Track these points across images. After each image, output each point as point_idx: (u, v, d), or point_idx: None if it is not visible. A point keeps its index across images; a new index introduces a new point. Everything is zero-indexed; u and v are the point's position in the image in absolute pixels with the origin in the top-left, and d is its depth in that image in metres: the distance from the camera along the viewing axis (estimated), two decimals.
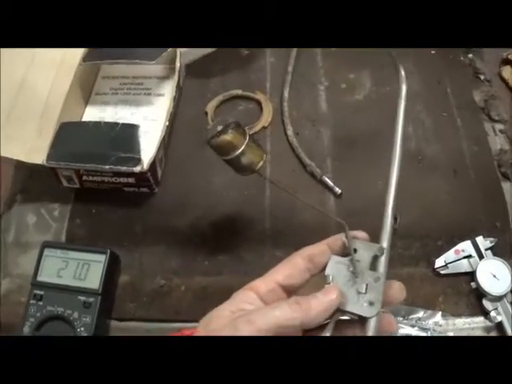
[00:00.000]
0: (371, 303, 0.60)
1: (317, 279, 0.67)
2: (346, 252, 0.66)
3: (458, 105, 1.14)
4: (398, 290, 0.64)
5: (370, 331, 0.60)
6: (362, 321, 0.61)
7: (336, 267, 0.65)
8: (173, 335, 0.64)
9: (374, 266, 0.63)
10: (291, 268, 0.67)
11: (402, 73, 0.77)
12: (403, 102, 0.76)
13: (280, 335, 0.58)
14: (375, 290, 0.61)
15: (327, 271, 0.65)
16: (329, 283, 0.63)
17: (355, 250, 0.65)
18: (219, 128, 0.78)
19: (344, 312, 0.62)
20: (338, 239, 0.67)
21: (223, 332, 0.59)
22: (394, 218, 0.93)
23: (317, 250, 0.67)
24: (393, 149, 0.72)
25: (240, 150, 0.78)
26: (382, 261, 0.63)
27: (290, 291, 0.66)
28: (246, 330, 0.57)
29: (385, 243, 0.65)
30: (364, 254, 0.64)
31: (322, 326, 0.62)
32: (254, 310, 0.62)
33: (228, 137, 0.78)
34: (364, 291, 0.61)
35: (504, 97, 1.17)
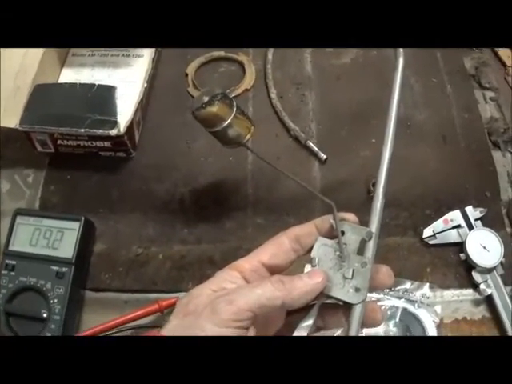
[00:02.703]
0: (357, 289, 0.58)
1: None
2: (333, 234, 0.63)
3: (448, 71, 1.11)
4: (385, 275, 0.62)
5: (355, 318, 0.58)
6: (347, 306, 0.59)
7: (322, 249, 0.62)
8: (144, 335, 0.61)
9: (361, 250, 0.61)
10: (277, 248, 0.64)
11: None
12: (399, 76, 0.71)
13: (261, 315, 0.56)
14: (362, 275, 0.59)
15: (313, 253, 0.62)
16: (314, 266, 0.61)
17: (343, 233, 0.62)
18: (205, 99, 0.77)
19: (329, 297, 0.60)
20: (326, 220, 0.64)
21: (202, 313, 0.56)
22: (369, 188, 0.92)
23: (304, 231, 0.64)
24: (386, 127, 0.68)
25: (227, 123, 0.77)
26: (370, 246, 0.61)
27: (274, 272, 0.64)
28: (225, 310, 0.55)
29: (373, 227, 0.62)
30: (352, 237, 0.62)
31: (305, 309, 0.61)
32: (235, 288, 0.59)
33: (214, 108, 0.76)
34: (350, 276, 0.59)
35: (494, 64, 1.14)
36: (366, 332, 0.83)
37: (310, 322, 0.60)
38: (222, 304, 0.55)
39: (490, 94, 1.10)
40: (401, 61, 0.72)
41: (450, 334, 0.86)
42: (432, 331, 0.84)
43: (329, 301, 0.61)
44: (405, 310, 0.86)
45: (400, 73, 0.72)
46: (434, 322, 0.85)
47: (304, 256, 0.64)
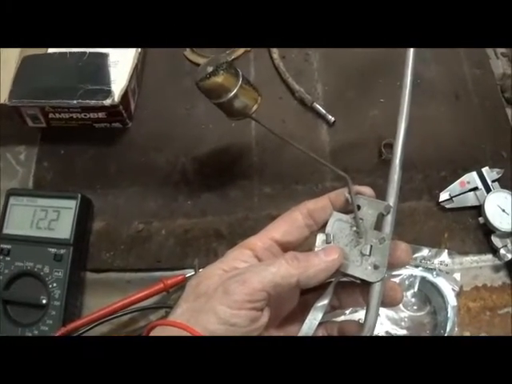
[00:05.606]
0: (376, 267, 0.57)
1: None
2: (348, 209, 0.61)
3: None
4: (404, 251, 0.60)
5: (374, 297, 0.57)
6: (365, 285, 0.58)
7: (338, 225, 0.61)
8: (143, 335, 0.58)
9: (378, 225, 0.59)
10: (289, 224, 0.63)
11: None
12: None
13: (275, 295, 0.55)
14: (380, 252, 0.58)
15: (328, 229, 0.61)
16: (329, 242, 0.60)
17: (359, 207, 0.60)
18: (209, 69, 0.75)
19: (345, 275, 0.59)
20: (340, 194, 0.62)
21: (214, 295, 0.55)
22: (380, 150, 0.88)
23: (317, 205, 0.63)
24: (402, 89, 0.65)
25: (232, 93, 0.75)
26: (388, 220, 0.59)
27: (287, 249, 0.62)
28: (238, 290, 0.54)
29: (391, 200, 0.60)
30: (368, 211, 0.60)
31: (321, 288, 0.60)
32: (247, 267, 0.58)
33: (219, 79, 0.74)
34: (368, 253, 0.58)
35: None
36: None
37: (325, 301, 0.59)
38: (234, 285, 0.54)
39: (500, 49, 1.06)
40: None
41: (470, 303, 0.84)
42: (452, 300, 0.81)
43: (345, 279, 0.60)
44: (423, 278, 0.84)
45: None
46: (453, 290, 0.82)
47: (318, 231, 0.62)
